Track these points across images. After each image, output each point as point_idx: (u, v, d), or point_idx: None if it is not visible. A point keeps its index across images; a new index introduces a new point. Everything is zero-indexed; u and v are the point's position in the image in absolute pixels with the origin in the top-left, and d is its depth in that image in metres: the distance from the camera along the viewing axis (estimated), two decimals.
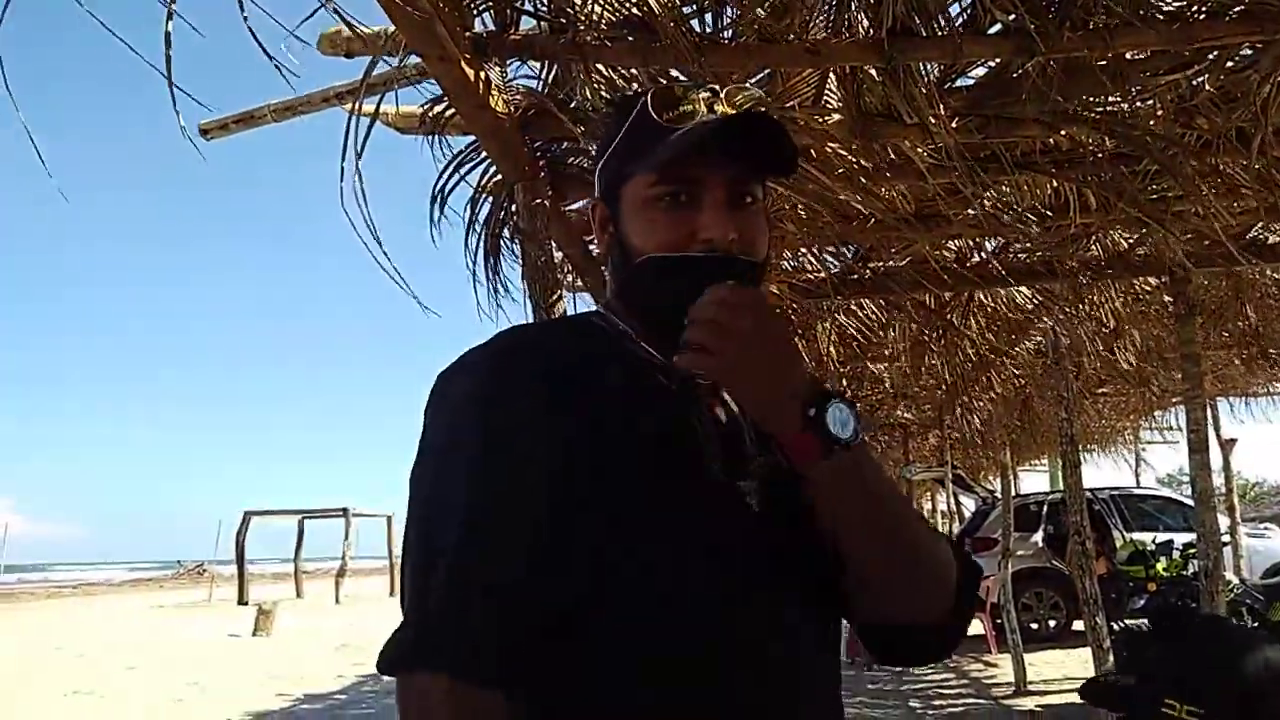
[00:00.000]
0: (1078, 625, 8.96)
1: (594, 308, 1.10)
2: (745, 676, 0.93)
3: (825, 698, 1.01)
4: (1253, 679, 1.29)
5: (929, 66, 2.49)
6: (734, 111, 1.01)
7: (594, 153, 1.17)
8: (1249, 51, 2.37)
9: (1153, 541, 9.26)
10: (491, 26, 2.17)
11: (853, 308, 5.20)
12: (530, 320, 2.56)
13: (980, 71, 2.63)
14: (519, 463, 0.91)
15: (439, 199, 2.73)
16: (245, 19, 1.45)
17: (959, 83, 2.66)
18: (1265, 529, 12.48)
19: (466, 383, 0.98)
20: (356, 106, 2.15)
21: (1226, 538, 8.36)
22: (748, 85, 1.08)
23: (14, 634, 17.30)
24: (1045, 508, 10.82)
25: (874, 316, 5.30)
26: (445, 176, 2.71)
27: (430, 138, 2.51)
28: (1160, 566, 7.79)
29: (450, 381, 0.99)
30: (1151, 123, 2.64)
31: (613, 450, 0.93)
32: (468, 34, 2.11)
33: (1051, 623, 10.40)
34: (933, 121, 2.53)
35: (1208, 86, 2.46)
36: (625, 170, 1.03)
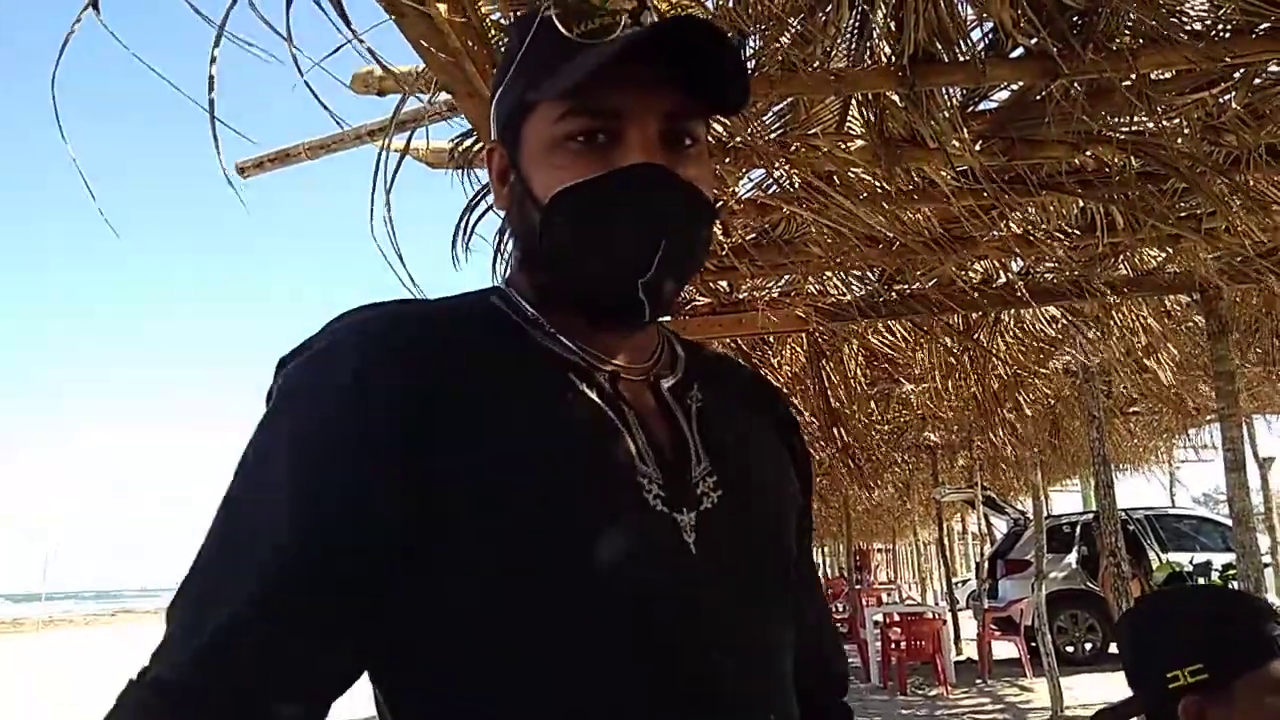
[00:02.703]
0: (1115, 648, 8.81)
1: (491, 285, 0.88)
2: None
3: None
4: (1229, 615, 1.32)
5: (951, 91, 2.50)
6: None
7: (490, 83, 0.90)
8: (1277, 68, 2.36)
9: (1190, 562, 9.11)
10: None
11: (879, 330, 5.19)
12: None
13: (1003, 94, 2.64)
14: (358, 495, 0.70)
15: (466, 229, 2.77)
16: (294, 59, 1.49)
17: (982, 105, 2.67)
18: None
19: (313, 378, 0.75)
20: (386, 142, 2.19)
21: (1267, 558, 8.19)
22: None
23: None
24: (1078, 528, 10.66)
25: (901, 338, 5.28)
26: (470, 209, 2.75)
27: (460, 172, 2.56)
28: (1190, 585, 7.64)
29: (293, 374, 0.76)
30: (1179, 141, 2.63)
31: (511, 477, 0.73)
32: (496, 70, 2.15)
33: (1088, 645, 10.22)
34: (956, 145, 2.54)
35: (1235, 104, 2.45)
36: (526, 98, 0.80)
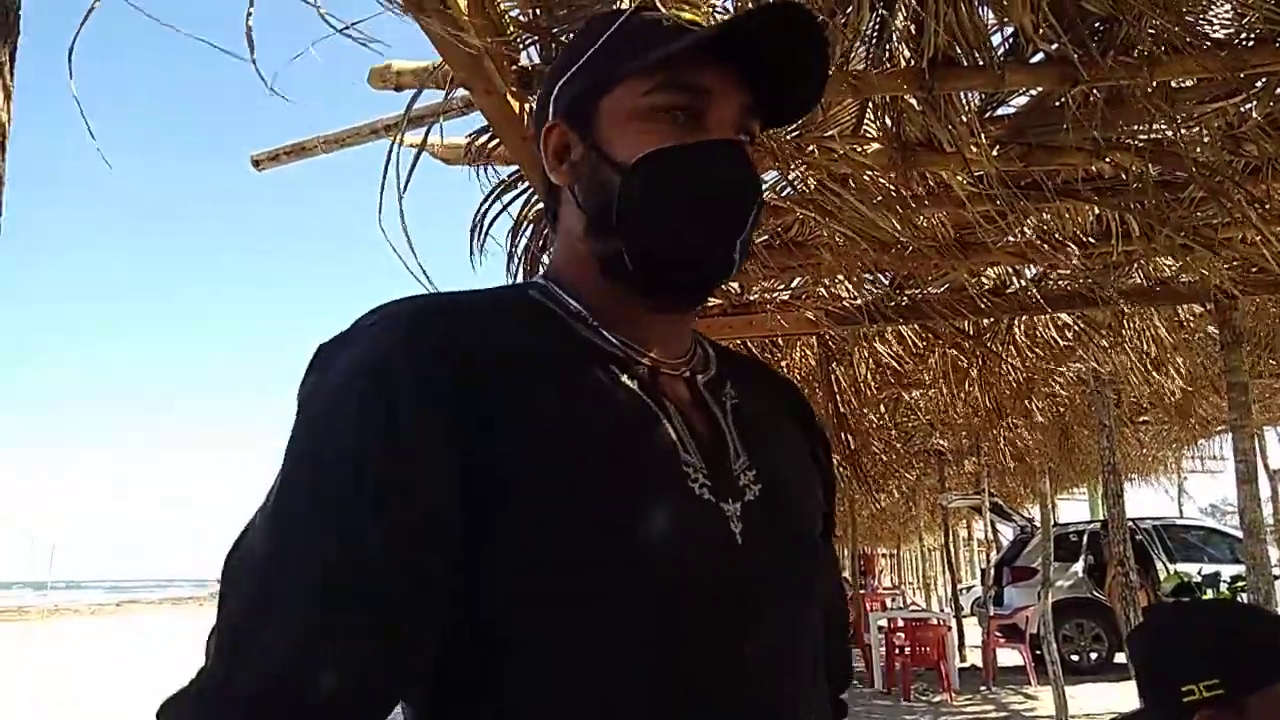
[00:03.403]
0: (1120, 658, 8.77)
1: (535, 279, 0.88)
2: None
3: None
4: (1247, 634, 1.32)
5: (970, 95, 2.49)
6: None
7: (548, 74, 0.92)
8: None
9: (1199, 573, 9.06)
10: (537, 60, 2.20)
11: (889, 335, 5.18)
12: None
13: (1021, 100, 2.62)
14: (410, 493, 0.69)
15: (480, 227, 2.77)
16: (316, 47, 1.49)
17: (1000, 111, 2.66)
18: None
19: (354, 376, 0.72)
20: (400, 138, 2.19)
21: (1277, 570, 8.15)
22: None
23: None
24: (1085, 537, 10.62)
25: (911, 344, 5.26)
26: (487, 205, 2.75)
27: (475, 168, 2.55)
28: (1207, 598, 7.61)
29: (333, 369, 0.73)
30: (1198, 150, 2.61)
31: (558, 468, 0.72)
32: (514, 67, 2.14)
33: (1093, 655, 10.18)
34: (973, 150, 2.52)
35: (1255, 114, 2.43)
36: (613, 72, 0.81)
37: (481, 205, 2.60)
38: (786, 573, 0.81)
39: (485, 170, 2.56)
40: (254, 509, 0.72)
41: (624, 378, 0.79)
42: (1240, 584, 6.49)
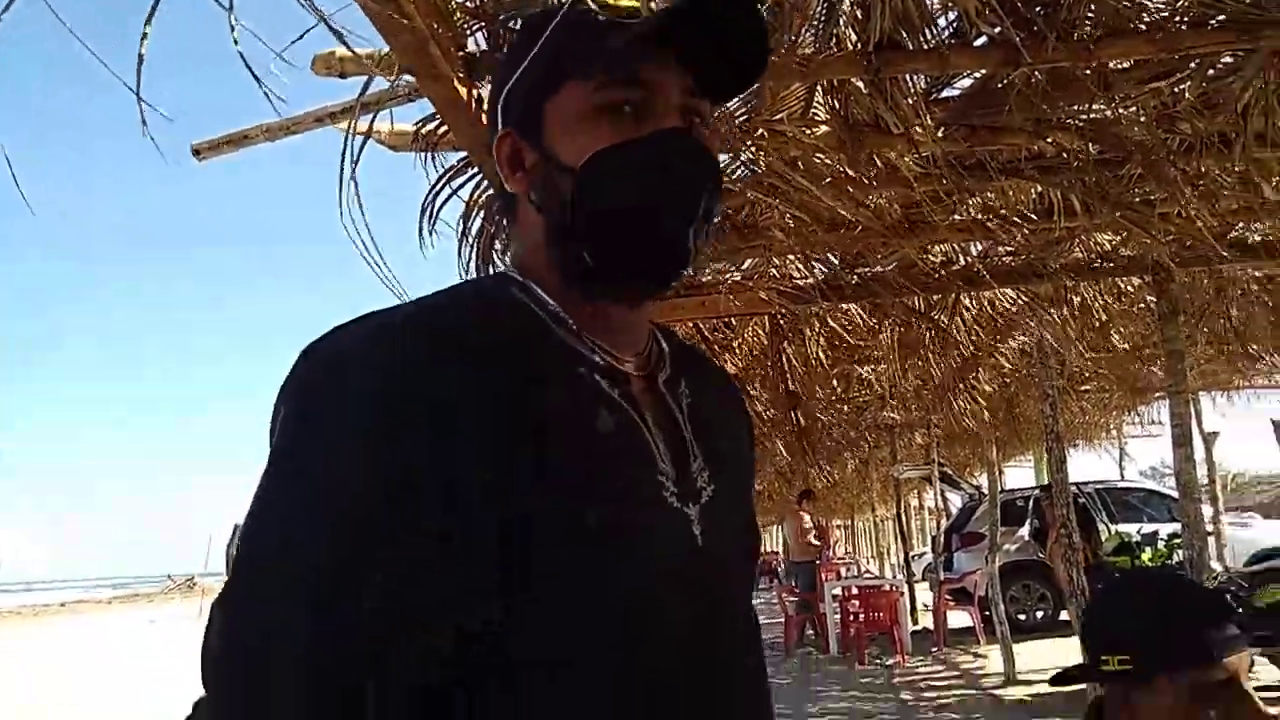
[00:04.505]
0: (1065, 615, 9.05)
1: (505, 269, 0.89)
2: None
3: None
4: (1164, 616, 1.32)
5: (915, 78, 2.51)
6: None
7: (492, 83, 0.92)
8: (1230, 59, 2.41)
9: (1138, 533, 9.36)
10: (484, 46, 2.18)
11: (840, 312, 5.24)
12: None
13: (966, 82, 2.66)
14: (382, 488, 0.71)
15: (430, 212, 2.73)
16: (236, 43, 1.45)
17: (945, 93, 2.70)
18: (1248, 518, 12.65)
19: (338, 369, 0.75)
20: (352, 126, 2.16)
21: (1210, 527, 8.45)
22: None
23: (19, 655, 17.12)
24: (1031, 502, 10.90)
25: (861, 320, 5.33)
26: (436, 191, 2.72)
27: (424, 155, 2.52)
28: (1146, 557, 7.89)
29: (315, 363, 0.76)
30: (1135, 129, 2.68)
31: (543, 480, 0.74)
32: (460, 53, 2.11)
33: (1039, 614, 10.50)
34: (919, 132, 2.56)
35: (1189, 94, 2.50)
36: (560, 73, 0.82)
37: (431, 190, 2.56)
38: (737, 566, 0.86)
39: (434, 157, 2.53)
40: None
41: (605, 385, 0.81)
42: (1177, 541, 6.72)
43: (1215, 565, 7.31)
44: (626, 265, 0.82)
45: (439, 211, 2.69)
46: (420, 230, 2.55)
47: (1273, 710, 1.23)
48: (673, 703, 0.76)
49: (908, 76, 2.47)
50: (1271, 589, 6.88)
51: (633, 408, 0.81)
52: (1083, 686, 1.45)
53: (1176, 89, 2.50)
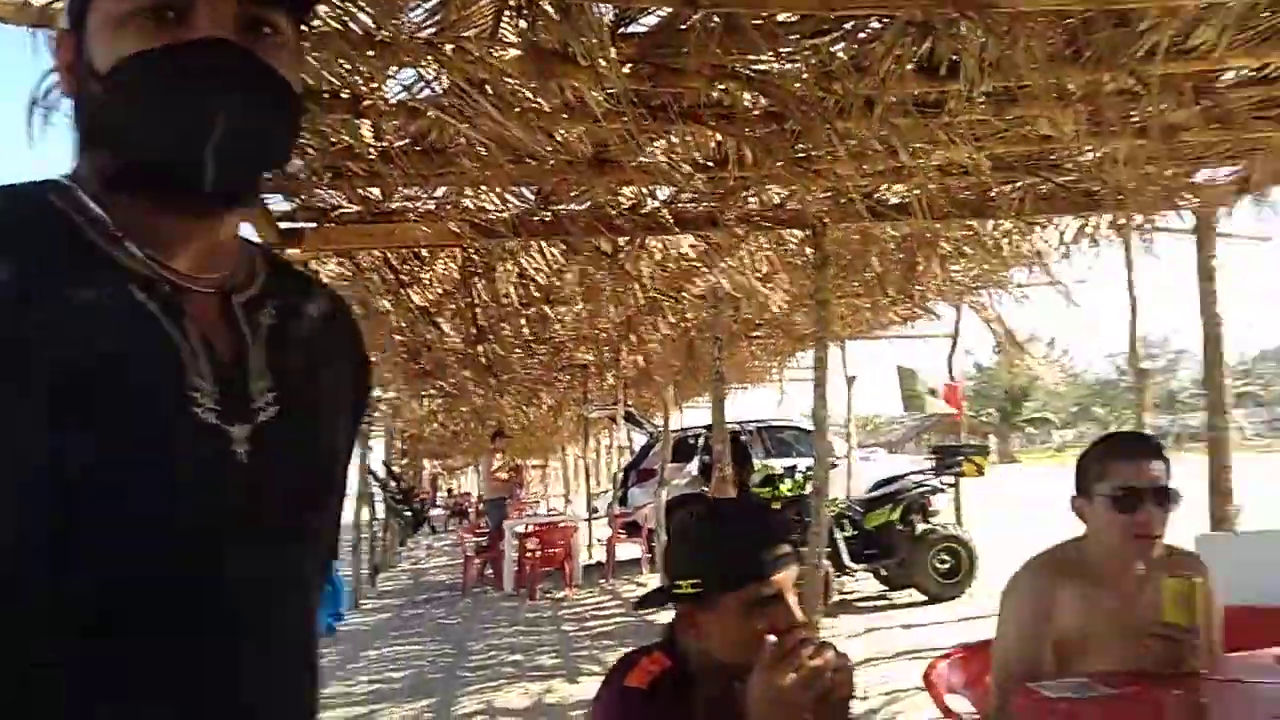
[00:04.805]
0: None
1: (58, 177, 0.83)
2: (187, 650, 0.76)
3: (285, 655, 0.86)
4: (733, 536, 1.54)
5: (604, 8, 2.52)
6: None
7: None
8: (878, 24, 2.66)
9: (782, 466, 10.41)
10: None
11: (533, 251, 5.25)
12: None
13: (654, 20, 2.72)
14: None
15: (45, 101, 2.34)
16: None
17: (632, 29, 2.74)
18: (872, 452, 14.66)
19: None
20: None
21: (841, 461, 9.61)
22: None
23: None
24: (702, 440, 11.76)
25: (553, 260, 5.39)
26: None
27: (41, 31, 2.13)
28: (785, 488, 8.72)
29: None
30: (796, 85, 2.89)
31: (53, 396, 0.72)
32: None
33: None
34: (604, 65, 2.57)
35: (842, 54, 2.73)
36: None
37: (46, 76, 2.18)
38: (295, 489, 0.85)
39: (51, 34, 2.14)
40: None
41: (142, 297, 0.77)
42: (810, 472, 7.55)
43: (837, 494, 8.41)
44: (143, 184, 0.78)
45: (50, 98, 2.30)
46: (29, 119, 2.17)
47: (804, 615, 1.44)
48: (186, 622, 0.76)
49: (596, 7, 2.47)
50: (879, 512, 8.04)
51: (171, 319, 0.78)
52: None
53: (833, 49, 2.72)
